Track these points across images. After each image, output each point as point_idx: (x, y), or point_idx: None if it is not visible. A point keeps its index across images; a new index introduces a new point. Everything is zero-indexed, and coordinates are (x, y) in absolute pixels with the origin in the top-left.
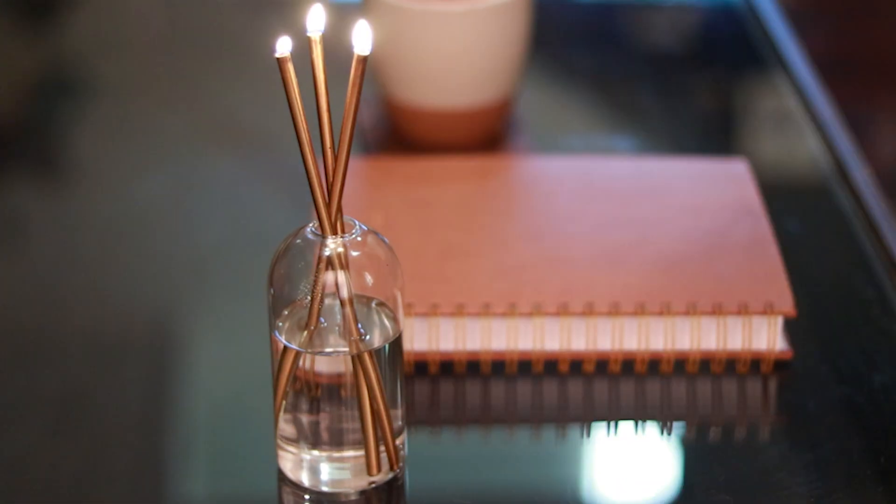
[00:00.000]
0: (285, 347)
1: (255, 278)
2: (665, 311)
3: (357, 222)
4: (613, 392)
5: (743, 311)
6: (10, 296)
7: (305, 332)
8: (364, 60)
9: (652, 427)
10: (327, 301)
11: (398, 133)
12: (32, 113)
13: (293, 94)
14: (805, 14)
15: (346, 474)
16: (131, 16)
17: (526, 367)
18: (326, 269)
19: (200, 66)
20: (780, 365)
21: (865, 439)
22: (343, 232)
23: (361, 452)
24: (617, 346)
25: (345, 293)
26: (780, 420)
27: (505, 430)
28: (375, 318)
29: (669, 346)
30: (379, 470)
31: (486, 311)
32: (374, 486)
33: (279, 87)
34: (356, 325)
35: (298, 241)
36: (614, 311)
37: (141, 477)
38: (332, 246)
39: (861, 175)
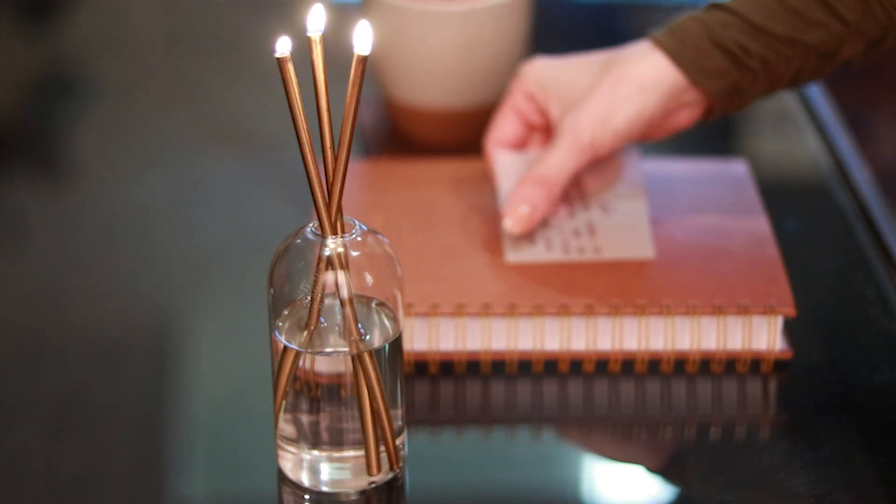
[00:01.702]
0: (285, 347)
1: (255, 278)
2: (665, 311)
3: (357, 222)
4: (613, 392)
5: (743, 311)
6: (10, 296)
7: (305, 332)
8: (364, 60)
9: (651, 427)
10: (327, 301)
11: (398, 133)
12: (32, 113)
13: (293, 94)
14: None
15: (346, 474)
16: (131, 16)
17: (526, 367)
18: (326, 269)
19: (200, 66)
20: (780, 365)
21: (865, 439)
22: (343, 232)
23: (361, 452)
24: (617, 346)
25: (345, 293)
26: (780, 420)
27: (505, 430)
28: (375, 318)
29: (669, 346)
30: (379, 470)
31: (486, 311)
32: (374, 486)
33: (279, 87)
34: (356, 325)
35: (298, 241)
36: (614, 311)
37: (141, 477)
38: (332, 246)
39: (861, 175)
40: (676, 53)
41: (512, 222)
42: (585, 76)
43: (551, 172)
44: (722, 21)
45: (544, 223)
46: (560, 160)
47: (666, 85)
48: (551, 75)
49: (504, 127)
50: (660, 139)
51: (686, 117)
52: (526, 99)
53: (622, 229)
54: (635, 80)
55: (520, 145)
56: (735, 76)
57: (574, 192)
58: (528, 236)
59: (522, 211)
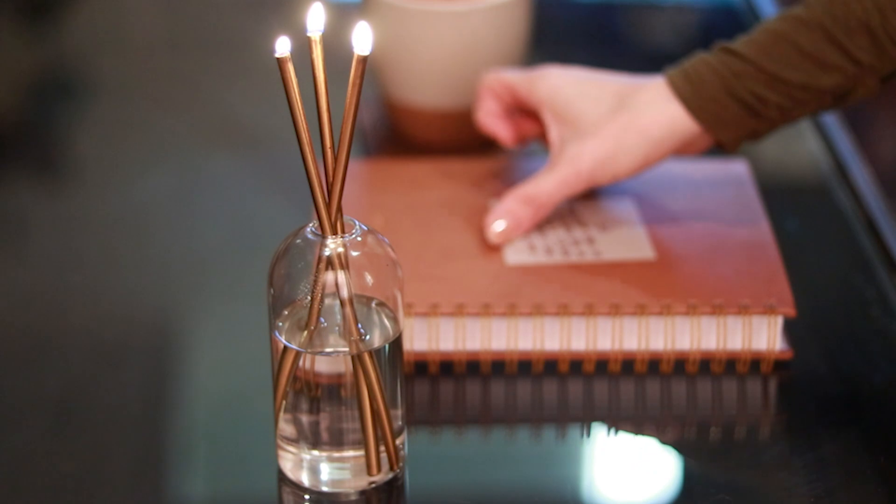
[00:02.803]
0: (285, 347)
1: (255, 278)
2: (665, 311)
3: (357, 222)
4: (613, 392)
5: (743, 311)
6: (11, 296)
7: (305, 332)
8: (364, 60)
9: (651, 427)
10: (327, 301)
11: (398, 133)
12: (32, 113)
13: (293, 94)
14: None
15: (346, 474)
16: (131, 16)
17: (526, 367)
18: (326, 269)
19: (200, 66)
20: (780, 365)
21: (865, 439)
22: (343, 232)
23: (361, 452)
24: (617, 346)
25: (345, 293)
26: (780, 420)
27: (505, 430)
28: (375, 318)
29: (669, 346)
30: (379, 470)
31: (486, 311)
32: (374, 486)
33: (279, 87)
34: (356, 325)
35: (298, 241)
36: (614, 311)
37: (141, 477)
38: (332, 246)
39: (861, 175)
40: (693, 103)
41: (494, 231)
42: (597, 109)
43: (543, 196)
44: (736, 70)
45: (542, 236)
46: (554, 186)
47: (678, 134)
48: (564, 99)
49: (490, 104)
50: None
51: (692, 151)
52: (516, 101)
53: (620, 236)
54: (645, 132)
55: (506, 116)
56: (752, 125)
57: (569, 216)
58: (527, 244)
59: (505, 223)
